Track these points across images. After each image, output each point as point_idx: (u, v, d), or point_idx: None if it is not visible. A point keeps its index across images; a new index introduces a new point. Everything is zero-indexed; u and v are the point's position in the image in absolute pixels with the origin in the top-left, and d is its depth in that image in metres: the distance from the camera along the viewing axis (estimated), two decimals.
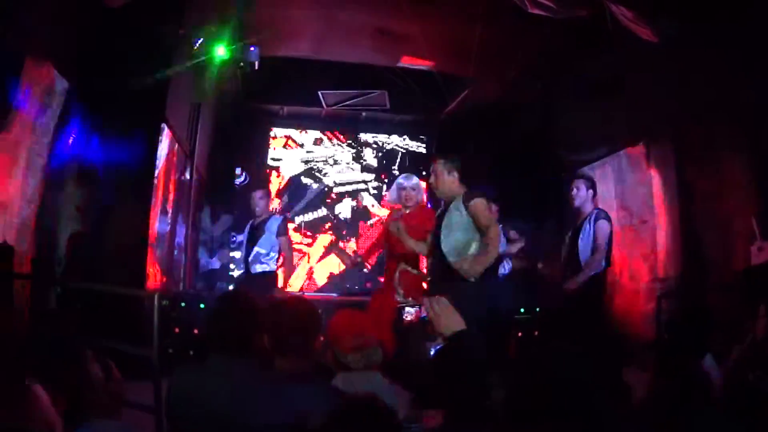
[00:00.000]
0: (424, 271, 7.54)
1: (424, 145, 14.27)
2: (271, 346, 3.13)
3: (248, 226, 8.80)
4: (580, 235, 7.17)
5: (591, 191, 7.30)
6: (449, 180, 6.06)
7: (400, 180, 7.53)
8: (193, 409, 3.06)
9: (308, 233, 13.53)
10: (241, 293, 3.75)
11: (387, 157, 14.28)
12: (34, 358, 2.55)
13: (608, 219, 7.25)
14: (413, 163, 13.92)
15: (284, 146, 13.78)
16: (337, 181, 13.99)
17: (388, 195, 7.49)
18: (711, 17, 6.87)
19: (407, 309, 7.19)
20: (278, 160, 13.65)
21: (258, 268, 8.47)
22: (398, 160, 14.25)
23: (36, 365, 2.51)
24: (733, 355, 4.28)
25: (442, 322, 2.72)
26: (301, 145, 13.86)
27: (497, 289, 6.92)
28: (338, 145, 14.10)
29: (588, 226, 7.13)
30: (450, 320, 2.71)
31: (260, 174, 13.11)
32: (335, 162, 14.00)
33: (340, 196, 13.94)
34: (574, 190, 7.30)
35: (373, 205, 13.99)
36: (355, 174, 14.11)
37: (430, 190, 8.50)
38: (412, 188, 7.33)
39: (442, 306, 2.77)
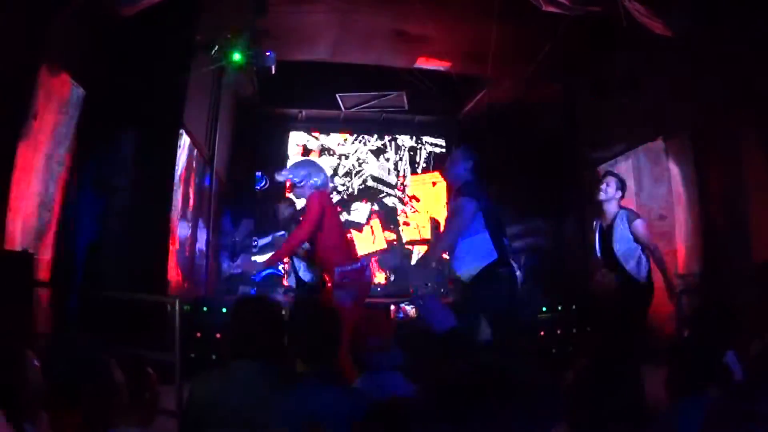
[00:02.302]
0: None
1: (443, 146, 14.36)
2: (293, 351, 3.12)
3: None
4: (615, 237, 7.04)
5: (620, 192, 7.18)
6: (461, 169, 6.09)
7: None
8: (214, 414, 3.07)
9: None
10: (264, 298, 3.76)
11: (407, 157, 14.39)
12: (57, 366, 2.56)
13: (641, 217, 7.16)
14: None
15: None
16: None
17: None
18: (730, 11, 6.83)
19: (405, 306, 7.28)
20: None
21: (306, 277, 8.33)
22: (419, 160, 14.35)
23: (59, 373, 2.51)
24: (752, 351, 4.24)
25: (433, 319, 2.71)
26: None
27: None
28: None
29: (621, 226, 7.01)
30: (442, 317, 2.70)
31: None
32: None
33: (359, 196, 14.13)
34: (604, 185, 7.17)
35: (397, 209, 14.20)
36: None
37: None
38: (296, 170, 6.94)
39: (433, 303, 2.77)
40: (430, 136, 14.50)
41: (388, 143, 14.40)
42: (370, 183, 14.14)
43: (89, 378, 2.48)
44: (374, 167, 14.22)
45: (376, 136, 14.40)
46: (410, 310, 8.72)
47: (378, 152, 14.36)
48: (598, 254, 7.24)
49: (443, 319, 2.68)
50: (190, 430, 3.26)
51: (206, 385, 3.24)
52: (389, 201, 14.19)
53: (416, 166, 14.46)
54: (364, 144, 14.29)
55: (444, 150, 14.41)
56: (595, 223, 7.32)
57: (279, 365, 3.29)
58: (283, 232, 9.18)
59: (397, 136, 14.48)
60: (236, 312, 3.43)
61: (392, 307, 8.83)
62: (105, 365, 2.59)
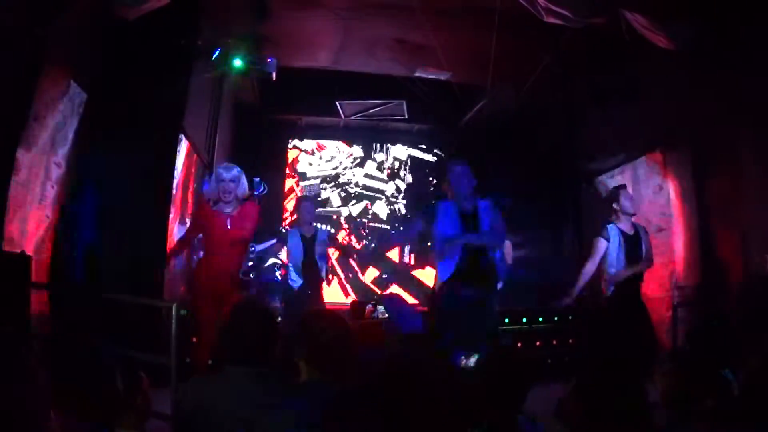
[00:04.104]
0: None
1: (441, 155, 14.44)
2: (307, 357, 3.12)
3: (298, 237, 8.64)
4: (644, 247, 7.12)
5: None
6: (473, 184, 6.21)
7: (219, 170, 7.06)
8: (207, 419, 3.06)
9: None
10: (260, 304, 3.77)
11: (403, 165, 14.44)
12: (61, 370, 2.55)
13: None
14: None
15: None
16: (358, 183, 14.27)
17: (208, 187, 7.13)
18: (727, 20, 6.86)
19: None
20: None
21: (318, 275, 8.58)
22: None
23: (64, 378, 2.50)
24: (749, 364, 4.24)
25: (400, 319, 2.72)
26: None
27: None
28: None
29: (644, 237, 7.16)
30: (408, 318, 2.71)
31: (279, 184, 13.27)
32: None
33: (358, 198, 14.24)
34: (628, 201, 7.14)
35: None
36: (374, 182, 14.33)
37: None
38: (231, 180, 6.81)
39: (400, 304, 2.78)
40: (429, 145, 14.57)
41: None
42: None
43: (95, 382, 2.48)
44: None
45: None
46: (379, 310, 9.20)
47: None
48: (623, 263, 7.15)
49: (409, 321, 2.69)
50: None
51: (199, 389, 3.24)
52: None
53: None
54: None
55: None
56: (611, 230, 7.23)
57: (275, 371, 3.29)
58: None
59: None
60: (233, 318, 3.43)
61: (368, 306, 9.33)
62: (111, 370, 2.60)
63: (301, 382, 3.12)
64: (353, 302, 10.47)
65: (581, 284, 7.11)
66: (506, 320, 8.71)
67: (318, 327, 3.15)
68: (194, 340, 6.55)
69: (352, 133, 14.12)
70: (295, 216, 10.85)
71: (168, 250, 7.70)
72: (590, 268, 7.11)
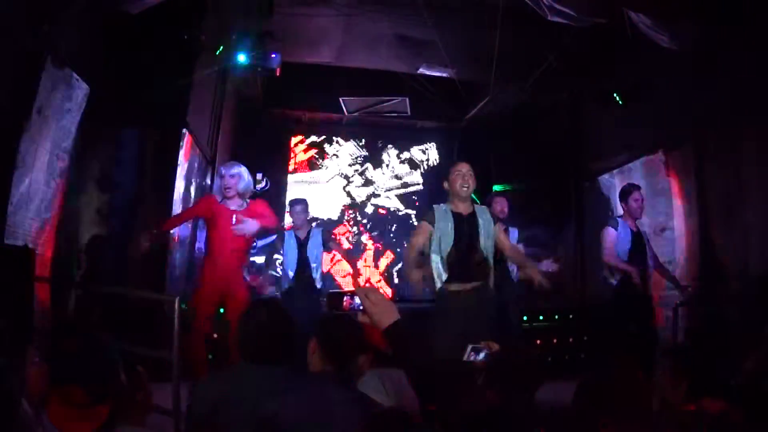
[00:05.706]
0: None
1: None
2: (322, 354, 3.17)
3: (294, 239, 8.72)
4: (649, 246, 7.29)
5: None
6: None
7: (221, 167, 7.21)
8: (222, 415, 3.08)
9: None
10: (276, 303, 3.82)
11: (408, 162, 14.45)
12: (63, 364, 2.55)
13: None
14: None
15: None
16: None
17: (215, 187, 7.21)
18: (730, 20, 6.86)
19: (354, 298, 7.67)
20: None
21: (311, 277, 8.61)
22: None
23: (66, 372, 2.50)
24: (749, 362, 4.26)
25: (377, 313, 2.72)
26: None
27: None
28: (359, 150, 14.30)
29: (646, 237, 7.33)
30: (386, 311, 2.71)
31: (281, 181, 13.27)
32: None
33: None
34: (641, 199, 7.27)
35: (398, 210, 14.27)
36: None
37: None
38: (231, 176, 6.92)
39: (377, 296, 2.79)
40: (432, 142, 14.56)
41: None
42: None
43: (101, 378, 2.48)
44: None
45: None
46: (356, 302, 9.22)
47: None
48: (626, 257, 7.15)
49: (386, 312, 2.70)
50: (195, 430, 3.27)
51: (214, 385, 3.26)
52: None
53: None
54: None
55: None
56: (620, 222, 7.23)
57: (289, 365, 3.31)
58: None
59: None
60: (248, 315, 3.44)
61: (346, 298, 9.34)
62: (115, 366, 2.60)
63: (315, 373, 3.16)
64: (330, 294, 10.38)
65: (618, 267, 7.10)
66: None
67: (333, 326, 3.28)
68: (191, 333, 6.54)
69: (354, 129, 14.13)
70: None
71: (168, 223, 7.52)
72: (609, 255, 7.13)
